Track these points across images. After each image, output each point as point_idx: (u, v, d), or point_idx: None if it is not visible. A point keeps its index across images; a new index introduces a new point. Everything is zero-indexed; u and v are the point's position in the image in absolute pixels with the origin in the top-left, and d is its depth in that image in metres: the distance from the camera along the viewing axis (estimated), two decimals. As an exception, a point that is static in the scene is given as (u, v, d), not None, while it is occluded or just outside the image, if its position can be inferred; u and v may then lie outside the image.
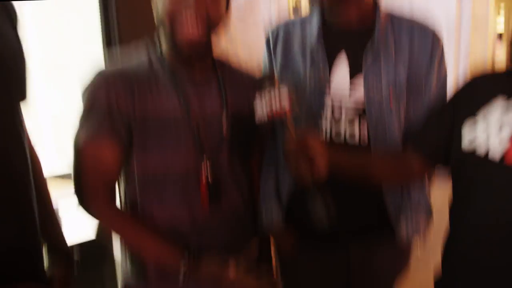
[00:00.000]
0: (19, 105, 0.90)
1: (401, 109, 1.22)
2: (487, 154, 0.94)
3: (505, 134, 0.93)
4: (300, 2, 3.21)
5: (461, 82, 1.12)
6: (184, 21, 0.98)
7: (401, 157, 1.19)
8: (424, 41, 1.23)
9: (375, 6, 1.25)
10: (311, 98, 1.23)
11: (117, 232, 1.09)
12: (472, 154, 0.97)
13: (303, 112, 1.22)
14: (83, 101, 1.03)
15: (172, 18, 0.99)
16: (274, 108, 0.99)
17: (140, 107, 1.01)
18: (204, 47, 1.05)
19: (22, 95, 0.91)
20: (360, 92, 1.21)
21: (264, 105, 1.00)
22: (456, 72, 3.82)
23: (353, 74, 1.22)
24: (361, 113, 1.22)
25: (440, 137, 1.09)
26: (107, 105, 0.99)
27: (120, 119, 1.00)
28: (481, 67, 3.64)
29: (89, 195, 1.04)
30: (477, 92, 1.04)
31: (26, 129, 0.93)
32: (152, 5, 1.06)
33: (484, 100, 0.99)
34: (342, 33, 1.25)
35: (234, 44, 2.07)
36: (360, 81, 1.21)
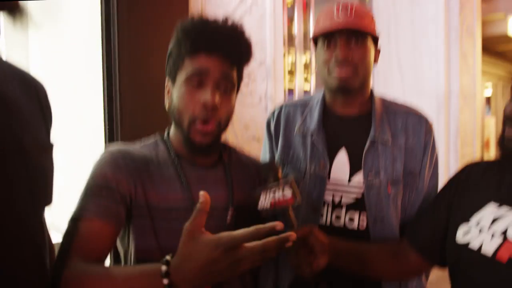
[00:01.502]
0: (44, 211, 0.88)
1: (398, 194, 1.26)
2: (480, 248, 0.95)
3: (497, 229, 0.94)
4: (295, 83, 3.37)
5: (454, 172, 1.16)
6: (200, 124, 1.00)
7: (399, 254, 1.20)
8: (418, 127, 1.30)
9: (371, 94, 1.33)
10: (311, 184, 1.27)
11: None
12: (466, 246, 0.97)
13: (304, 197, 1.25)
14: (89, 175, 1.02)
15: (188, 117, 1.01)
16: (276, 197, 1.00)
17: (144, 193, 1.00)
18: (216, 142, 1.08)
19: (48, 201, 0.89)
20: (359, 178, 1.25)
21: (267, 194, 1.00)
22: (447, 141, 3.92)
23: (352, 164, 1.27)
24: (360, 197, 1.25)
25: (435, 238, 1.12)
26: (110, 186, 0.98)
27: (122, 201, 0.99)
28: (470, 137, 3.64)
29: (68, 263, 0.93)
30: (469, 194, 1.07)
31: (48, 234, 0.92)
32: (166, 92, 1.09)
33: (476, 206, 1.02)
34: (342, 121, 1.31)
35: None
36: (359, 171, 1.26)
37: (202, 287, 0.81)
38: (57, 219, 2.52)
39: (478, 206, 1.02)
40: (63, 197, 2.41)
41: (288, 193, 0.98)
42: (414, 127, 1.29)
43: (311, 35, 3.41)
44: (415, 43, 3.89)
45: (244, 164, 1.20)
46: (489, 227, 0.95)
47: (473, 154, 4.27)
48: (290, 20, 3.39)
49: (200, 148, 1.04)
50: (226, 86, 1.03)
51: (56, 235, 2.40)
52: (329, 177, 1.26)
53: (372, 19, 1.26)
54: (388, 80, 3.90)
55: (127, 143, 1.11)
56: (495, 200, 1.00)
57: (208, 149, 1.06)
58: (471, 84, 4.18)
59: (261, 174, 1.09)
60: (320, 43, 1.27)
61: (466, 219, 1.02)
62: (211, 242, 0.78)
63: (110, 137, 1.82)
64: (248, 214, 1.11)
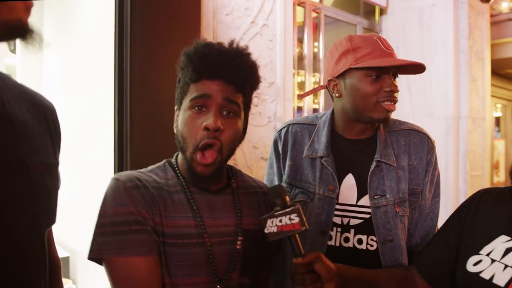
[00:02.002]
0: (46, 230, 0.89)
1: (405, 213, 1.26)
2: (492, 278, 0.94)
3: (509, 261, 0.94)
4: (304, 103, 3.40)
5: (463, 194, 1.15)
6: (200, 155, 1.00)
7: (408, 283, 1.18)
8: (420, 146, 1.30)
9: None
10: (320, 207, 1.27)
11: None
12: (477, 275, 0.97)
13: (312, 219, 1.25)
14: (105, 209, 0.98)
15: (191, 145, 1.01)
16: (283, 222, 0.99)
17: (160, 221, 0.99)
18: (219, 170, 1.07)
19: (51, 221, 0.91)
20: (366, 199, 1.26)
21: (274, 219, 0.99)
22: (456, 163, 3.89)
23: (360, 187, 1.27)
24: (368, 217, 1.25)
25: (445, 267, 1.10)
26: (138, 219, 0.96)
27: (153, 230, 0.97)
28: (480, 159, 3.61)
29: None
30: (480, 223, 1.06)
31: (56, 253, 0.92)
32: (175, 118, 1.09)
33: (487, 238, 1.01)
34: (350, 145, 1.31)
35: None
36: (366, 193, 1.26)
37: None
38: (63, 236, 2.53)
39: (489, 237, 1.01)
40: (70, 214, 2.43)
41: (295, 219, 0.98)
42: (416, 145, 1.30)
43: (321, 55, 3.48)
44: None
45: (251, 188, 1.20)
46: (501, 259, 0.95)
47: (483, 176, 4.24)
48: (300, 41, 3.43)
49: (202, 178, 1.03)
50: (230, 111, 1.02)
51: (61, 251, 2.42)
52: (337, 200, 1.27)
53: None
54: (398, 103, 3.88)
55: (135, 170, 1.09)
56: (507, 234, 0.99)
57: (210, 179, 1.05)
58: (480, 107, 4.18)
59: (269, 197, 1.08)
60: (362, 74, 1.21)
61: (477, 249, 1.01)
62: None
63: (120, 156, 1.84)
64: (256, 238, 1.11)
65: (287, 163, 1.35)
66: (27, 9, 0.71)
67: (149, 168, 1.10)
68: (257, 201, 1.18)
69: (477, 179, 4.11)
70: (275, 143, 1.41)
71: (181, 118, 1.03)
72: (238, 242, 1.07)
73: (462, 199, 3.86)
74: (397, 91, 1.22)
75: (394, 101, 1.23)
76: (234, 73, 1.01)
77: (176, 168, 1.09)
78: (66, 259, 2.37)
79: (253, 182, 1.23)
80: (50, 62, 2.80)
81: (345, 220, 1.27)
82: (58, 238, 2.54)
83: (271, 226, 0.99)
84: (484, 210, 1.08)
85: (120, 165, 1.82)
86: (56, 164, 0.91)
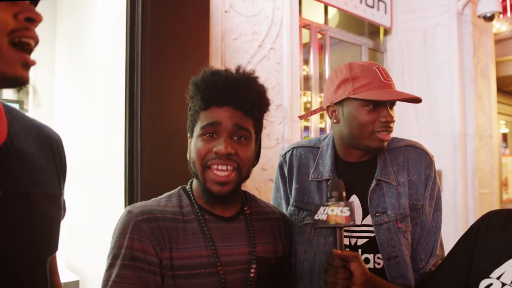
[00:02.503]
0: (47, 259, 0.90)
1: (407, 229, 1.27)
2: None
3: None
4: (310, 122, 3.42)
5: (472, 212, 1.16)
6: (213, 172, 1.01)
7: None
8: (418, 161, 1.32)
9: None
10: (328, 229, 1.27)
11: None
12: None
13: (321, 242, 1.26)
14: (117, 243, 1.00)
15: (201, 165, 1.03)
16: (334, 212, 1.01)
17: (170, 255, 1.00)
18: (235, 190, 1.08)
19: (52, 250, 0.92)
20: (369, 218, 1.27)
21: (326, 208, 1.02)
22: (464, 181, 3.87)
23: (364, 207, 1.29)
24: (373, 236, 1.26)
25: None
26: (142, 257, 0.97)
27: (159, 271, 0.98)
28: (488, 176, 3.59)
29: None
30: (490, 246, 1.07)
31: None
32: (188, 151, 1.10)
33: (497, 261, 1.02)
34: (352, 167, 1.34)
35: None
36: (369, 213, 1.28)
37: None
38: (73, 260, 2.53)
39: (499, 261, 1.01)
40: (81, 239, 2.43)
41: (346, 212, 1.01)
42: (414, 161, 1.32)
43: (326, 76, 3.51)
44: (430, 84, 3.93)
45: (264, 214, 1.21)
46: (511, 283, 0.95)
47: (492, 194, 4.20)
48: (306, 62, 3.47)
49: (218, 197, 1.03)
50: (241, 136, 1.04)
51: (71, 275, 2.41)
52: None
53: None
54: (404, 121, 3.92)
55: (152, 199, 1.10)
56: None
57: (227, 199, 1.06)
58: (487, 124, 4.18)
59: (326, 190, 1.09)
60: (359, 103, 1.24)
61: (488, 273, 1.01)
62: None
63: (130, 181, 1.86)
64: (270, 266, 1.12)
65: (294, 186, 1.37)
66: (27, 67, 0.74)
67: (165, 195, 1.12)
68: (270, 227, 1.19)
69: (486, 197, 4.08)
70: (281, 167, 1.43)
71: (193, 145, 1.06)
72: (252, 270, 1.08)
73: (472, 218, 3.83)
74: (393, 121, 1.25)
75: (389, 131, 1.25)
76: (242, 98, 1.03)
77: (191, 195, 1.10)
78: (76, 283, 2.37)
79: (266, 208, 1.24)
80: (62, 86, 2.85)
81: (353, 241, 1.28)
82: (68, 262, 2.56)
83: (322, 213, 1.02)
84: (493, 232, 1.08)
85: (130, 190, 1.84)
86: (59, 194, 0.94)
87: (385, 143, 1.26)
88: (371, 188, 1.28)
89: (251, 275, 1.07)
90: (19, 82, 0.74)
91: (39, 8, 0.76)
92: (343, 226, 1.01)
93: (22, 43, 0.71)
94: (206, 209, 1.08)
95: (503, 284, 0.96)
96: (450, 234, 3.74)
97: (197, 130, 1.05)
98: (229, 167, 1.02)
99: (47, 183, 0.89)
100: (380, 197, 1.28)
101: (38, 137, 0.91)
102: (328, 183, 1.15)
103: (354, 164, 1.33)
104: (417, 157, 1.32)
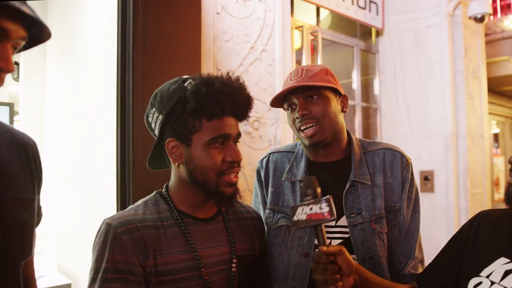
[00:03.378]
0: (20, 264, 0.91)
1: (382, 230, 1.28)
2: None
3: (508, 284, 0.96)
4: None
5: (464, 212, 1.17)
6: (228, 177, 1.08)
7: None
8: (395, 164, 1.34)
9: (349, 138, 1.39)
10: (302, 230, 1.29)
11: None
12: None
13: (295, 243, 1.28)
14: (98, 258, 1.00)
15: (215, 173, 1.06)
16: (313, 211, 1.01)
17: (154, 262, 1.01)
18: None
19: (25, 254, 0.93)
20: (344, 219, 1.29)
21: (304, 208, 1.02)
22: (456, 182, 3.89)
23: (338, 208, 1.29)
24: (347, 237, 1.28)
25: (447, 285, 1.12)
26: (127, 270, 0.98)
27: (144, 281, 0.99)
28: (480, 176, 3.62)
29: None
30: (480, 245, 1.08)
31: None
32: (170, 151, 1.09)
33: (487, 260, 1.03)
34: (326, 168, 1.35)
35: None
36: (343, 215, 1.29)
37: None
38: (65, 263, 2.51)
39: (489, 259, 1.03)
40: (72, 242, 2.42)
41: (325, 208, 1.00)
42: (391, 163, 1.33)
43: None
44: (422, 85, 3.96)
45: (240, 214, 1.25)
46: (500, 281, 0.96)
47: (484, 194, 4.24)
48: (298, 63, 3.48)
49: (228, 198, 1.09)
50: (236, 141, 1.13)
51: (63, 278, 2.40)
52: None
53: (326, 72, 1.32)
54: (396, 122, 3.93)
55: (129, 208, 1.10)
56: (506, 256, 1.01)
57: (233, 198, 1.11)
58: (478, 125, 4.21)
59: (300, 189, 1.11)
60: (285, 108, 1.36)
61: (478, 271, 1.02)
62: None
63: (122, 182, 1.85)
64: (249, 264, 1.16)
65: (269, 189, 1.39)
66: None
67: (141, 201, 1.12)
68: (247, 226, 1.23)
69: (478, 197, 4.11)
70: (258, 172, 1.46)
71: (196, 154, 1.06)
72: (233, 269, 1.11)
73: (464, 218, 3.85)
74: (303, 113, 1.28)
75: (307, 124, 1.29)
76: (244, 108, 1.12)
77: (169, 200, 1.12)
78: (68, 286, 2.35)
79: (241, 207, 1.28)
80: (53, 90, 2.84)
81: (327, 242, 1.28)
82: (60, 265, 2.54)
83: (301, 213, 1.02)
84: (484, 232, 1.10)
85: (122, 193, 1.83)
86: (33, 199, 0.95)
87: (312, 137, 1.29)
88: (345, 189, 1.29)
89: (233, 269, 1.11)
90: None
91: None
92: (326, 222, 1.00)
93: None
94: (185, 212, 1.10)
95: (492, 283, 0.97)
96: (442, 233, 3.76)
97: (201, 138, 1.05)
98: (237, 174, 1.12)
99: (19, 188, 0.90)
100: (355, 198, 1.29)
101: (12, 142, 0.92)
102: (301, 183, 1.16)
103: (328, 164, 1.35)
104: (393, 159, 1.34)
